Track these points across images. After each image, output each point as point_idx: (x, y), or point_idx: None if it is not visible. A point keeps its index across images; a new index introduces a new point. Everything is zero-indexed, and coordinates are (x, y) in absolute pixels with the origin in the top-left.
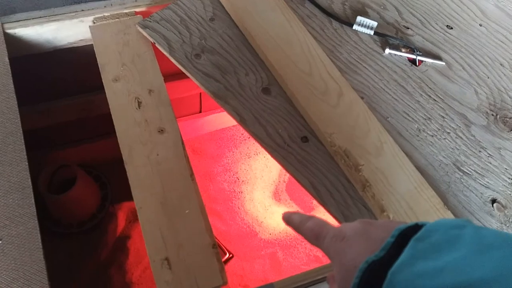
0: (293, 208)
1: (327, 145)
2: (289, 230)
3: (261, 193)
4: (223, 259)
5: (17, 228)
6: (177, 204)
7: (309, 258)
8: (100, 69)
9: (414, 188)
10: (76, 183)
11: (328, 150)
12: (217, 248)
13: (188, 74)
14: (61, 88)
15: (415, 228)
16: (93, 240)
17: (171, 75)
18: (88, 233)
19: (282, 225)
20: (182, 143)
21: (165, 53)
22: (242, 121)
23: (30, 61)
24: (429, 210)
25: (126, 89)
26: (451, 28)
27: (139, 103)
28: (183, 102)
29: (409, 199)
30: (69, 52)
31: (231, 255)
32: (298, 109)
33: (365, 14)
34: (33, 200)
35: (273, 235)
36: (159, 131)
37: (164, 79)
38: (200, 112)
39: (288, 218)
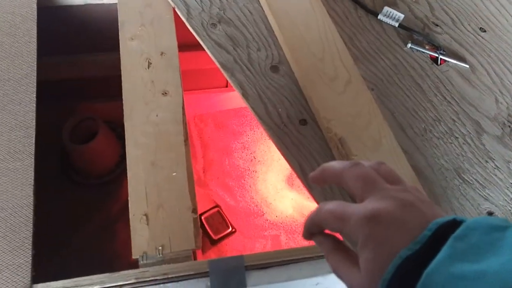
0: (305, 195)
1: (324, 131)
2: (297, 216)
3: (275, 175)
4: (225, 232)
5: (15, 163)
6: (166, 165)
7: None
8: (119, 26)
9: None
10: (98, 135)
11: (324, 135)
12: (197, 213)
13: (200, 42)
14: (93, 42)
15: (453, 223)
16: (108, 193)
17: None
18: (104, 186)
19: (290, 210)
20: (183, 108)
21: (182, 18)
22: (244, 95)
23: (63, 13)
24: None
25: (140, 49)
26: (484, 31)
27: (149, 64)
28: (211, 73)
29: None
30: (100, 8)
31: (233, 230)
32: (303, 91)
33: (395, 6)
34: (33, 139)
35: (279, 218)
36: (163, 94)
37: (193, 48)
38: (227, 86)
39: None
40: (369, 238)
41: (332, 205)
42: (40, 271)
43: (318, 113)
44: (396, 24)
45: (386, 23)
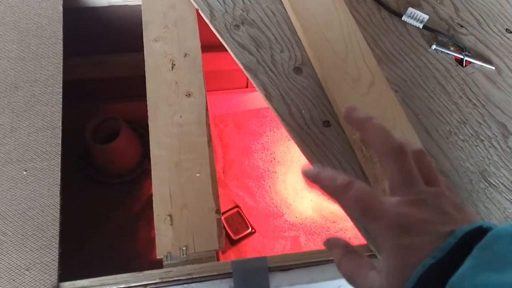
0: (324, 197)
1: (348, 133)
2: (316, 217)
3: (295, 176)
4: (245, 233)
5: (42, 163)
6: (190, 166)
7: None
8: (143, 27)
9: None
10: (120, 135)
11: (348, 138)
12: (220, 214)
13: (223, 43)
14: (117, 43)
15: (479, 231)
16: (128, 193)
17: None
18: (125, 186)
19: (309, 211)
20: (207, 109)
21: (206, 20)
22: (267, 96)
23: (87, 14)
24: None
25: (163, 50)
26: (510, 32)
27: (173, 65)
28: (232, 74)
29: None
30: (124, 9)
31: (253, 230)
32: (326, 92)
33: (419, 7)
34: (60, 140)
35: (299, 219)
36: (186, 95)
37: (214, 49)
38: (247, 87)
39: (315, 175)
40: (399, 247)
41: (357, 194)
42: (64, 270)
43: (341, 114)
44: (421, 26)
45: (410, 24)
